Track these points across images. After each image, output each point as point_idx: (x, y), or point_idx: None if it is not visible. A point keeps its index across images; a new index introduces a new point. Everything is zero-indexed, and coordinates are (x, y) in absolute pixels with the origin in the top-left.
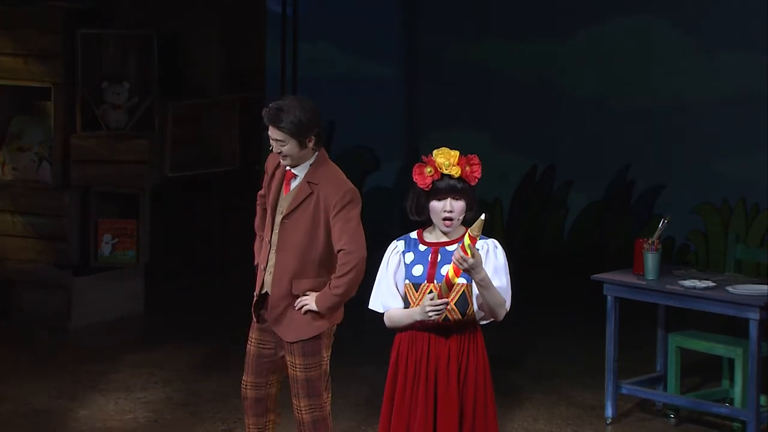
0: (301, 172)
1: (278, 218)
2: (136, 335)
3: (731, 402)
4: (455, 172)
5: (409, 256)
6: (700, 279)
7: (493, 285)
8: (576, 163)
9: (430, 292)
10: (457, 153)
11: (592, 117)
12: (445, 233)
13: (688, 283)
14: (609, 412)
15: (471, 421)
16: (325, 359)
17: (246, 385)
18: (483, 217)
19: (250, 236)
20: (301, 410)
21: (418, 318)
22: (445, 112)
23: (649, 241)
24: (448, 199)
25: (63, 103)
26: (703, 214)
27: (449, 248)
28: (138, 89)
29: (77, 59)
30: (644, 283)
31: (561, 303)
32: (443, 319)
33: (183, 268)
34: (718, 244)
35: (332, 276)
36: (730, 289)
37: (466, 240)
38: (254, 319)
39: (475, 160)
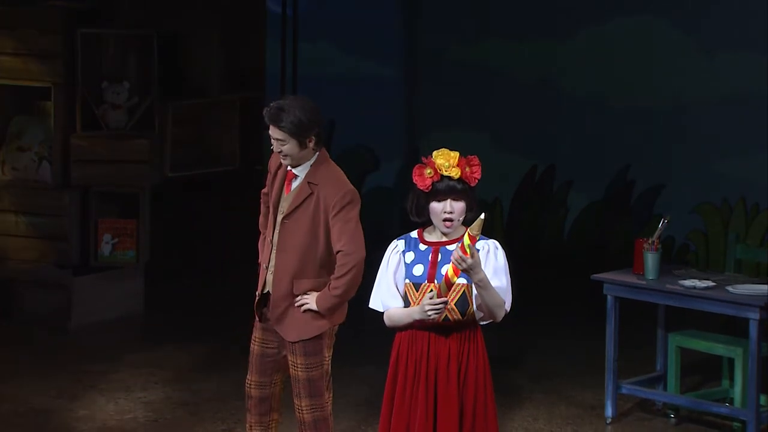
0: (301, 172)
1: (279, 218)
2: (136, 335)
3: (731, 402)
4: (455, 173)
5: (410, 256)
6: (700, 279)
7: (491, 286)
8: (576, 163)
9: (430, 291)
10: (457, 154)
11: (592, 117)
12: (445, 234)
13: (688, 282)
14: (609, 411)
15: (471, 420)
16: (327, 359)
17: (250, 385)
18: (483, 216)
19: (250, 236)
20: (302, 410)
21: (418, 317)
22: (445, 112)
23: (649, 241)
24: (448, 200)
25: (63, 102)
26: (703, 214)
27: (449, 247)
28: (138, 89)
29: (77, 59)
30: (644, 282)
31: (561, 303)
32: (443, 319)
33: (183, 268)
34: (718, 243)
35: (331, 277)
36: (730, 288)
37: (466, 240)
38: (257, 318)
39: (475, 161)
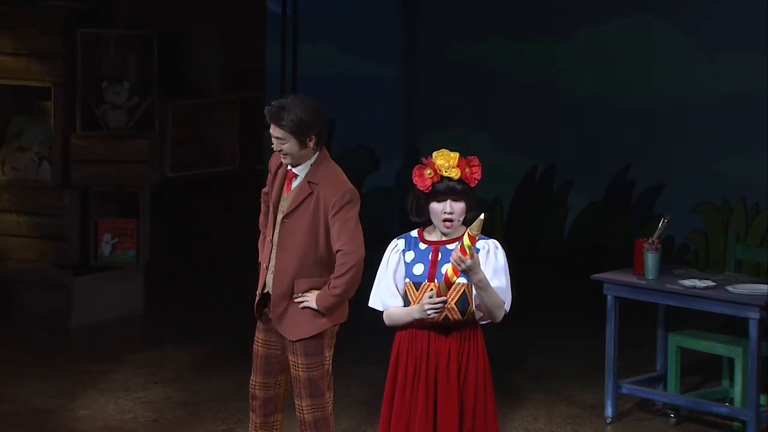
0: (301, 171)
1: (279, 217)
2: (136, 335)
3: (731, 401)
4: (455, 174)
5: (410, 255)
6: (700, 278)
7: (491, 286)
8: (576, 163)
9: (430, 290)
10: (457, 155)
11: (592, 117)
12: (445, 234)
13: (688, 282)
14: (609, 411)
15: (471, 420)
16: (328, 359)
17: (255, 386)
18: (482, 216)
19: (250, 236)
20: (303, 410)
21: (417, 316)
22: (445, 112)
23: (649, 241)
24: (448, 200)
25: (63, 102)
26: (703, 214)
27: (450, 247)
28: (138, 89)
29: (77, 59)
30: (644, 282)
31: (561, 303)
32: (443, 319)
33: (183, 268)
34: (718, 243)
35: (331, 276)
36: (730, 288)
37: (466, 240)
38: (258, 319)
39: (475, 161)
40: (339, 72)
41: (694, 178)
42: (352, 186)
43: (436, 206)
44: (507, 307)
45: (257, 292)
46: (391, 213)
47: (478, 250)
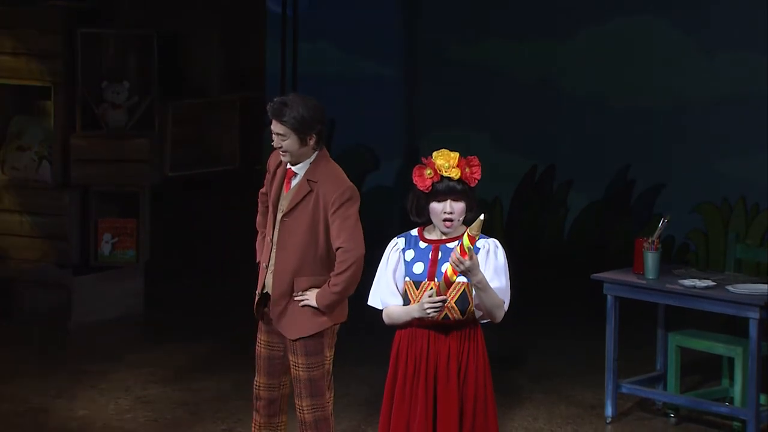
0: (301, 170)
1: (279, 216)
2: (136, 334)
3: (731, 401)
4: (455, 174)
5: (410, 254)
6: (700, 278)
7: (490, 287)
8: (576, 163)
9: (430, 289)
10: (457, 154)
11: (592, 117)
12: (445, 234)
13: (688, 282)
14: (609, 411)
15: (471, 420)
16: (328, 358)
17: (259, 387)
18: (482, 217)
19: (251, 236)
20: (303, 410)
21: (417, 315)
22: (445, 112)
23: (649, 241)
24: (448, 200)
25: (63, 102)
26: (703, 214)
27: (450, 245)
28: (138, 89)
29: (77, 59)
30: (644, 282)
31: (561, 303)
32: (443, 318)
33: (183, 267)
34: (718, 243)
35: (331, 274)
36: (730, 288)
37: (465, 240)
38: (259, 319)
39: (475, 161)
40: (339, 72)
41: (694, 177)
42: (351, 183)
43: (436, 206)
44: (506, 306)
45: (257, 292)
46: (391, 212)
47: (478, 249)
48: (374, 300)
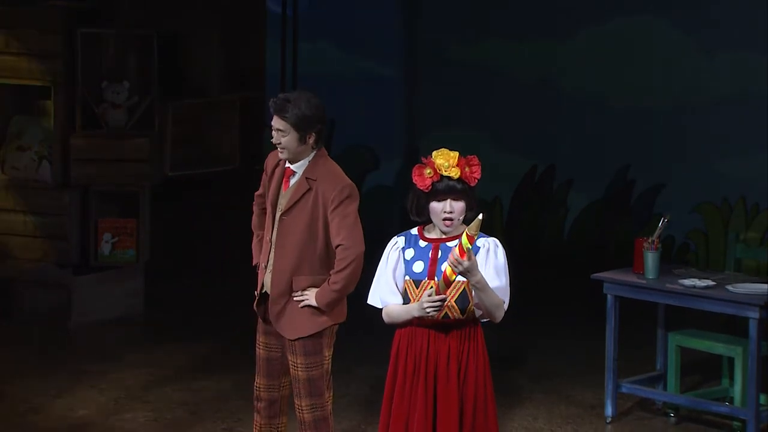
0: (299, 168)
1: (278, 215)
2: (136, 334)
3: (731, 401)
4: (455, 173)
5: (410, 253)
6: (700, 278)
7: (489, 287)
8: (576, 163)
9: (430, 288)
10: (457, 154)
11: (592, 117)
12: (445, 233)
13: (688, 282)
14: (609, 411)
15: (471, 419)
16: (327, 358)
17: (259, 388)
18: (481, 216)
19: (250, 236)
20: (302, 410)
21: (416, 314)
22: (445, 112)
23: (649, 240)
24: (448, 200)
25: (63, 102)
26: (703, 214)
27: (450, 244)
28: (138, 88)
29: (77, 59)
30: (644, 282)
31: (561, 303)
32: (443, 317)
33: (183, 267)
34: (718, 243)
35: (330, 272)
36: (730, 288)
37: (464, 240)
38: (259, 320)
39: (475, 161)
40: (339, 72)
41: (694, 177)
42: (350, 181)
43: (436, 205)
44: (506, 306)
45: (255, 293)
46: (391, 212)
47: (478, 248)
48: (374, 299)
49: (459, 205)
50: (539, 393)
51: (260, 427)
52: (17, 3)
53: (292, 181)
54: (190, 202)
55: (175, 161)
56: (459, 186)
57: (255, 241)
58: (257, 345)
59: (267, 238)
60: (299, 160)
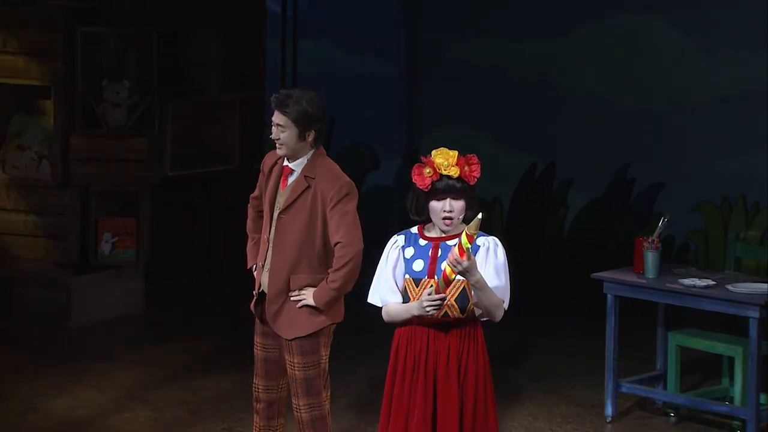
0: (298, 167)
1: (275, 214)
2: (136, 334)
3: (731, 400)
4: (454, 172)
5: (409, 251)
6: (700, 277)
7: (488, 287)
8: (576, 162)
9: (429, 287)
10: (456, 153)
11: (592, 116)
12: (445, 232)
13: (688, 281)
14: (609, 410)
15: (471, 418)
16: (324, 358)
17: (258, 389)
18: (480, 216)
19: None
20: (300, 409)
21: (416, 313)
22: (445, 111)
23: (649, 240)
24: (448, 199)
25: (63, 101)
26: (703, 213)
27: (450, 243)
28: (138, 88)
29: (77, 58)
30: (644, 281)
31: (561, 303)
32: (443, 315)
33: (183, 267)
34: (717, 242)
35: (329, 270)
36: (730, 287)
37: (464, 239)
38: (256, 321)
39: (474, 159)
40: (339, 71)
41: (694, 177)
42: (349, 179)
43: (435, 205)
44: (506, 305)
45: (254, 292)
46: (391, 212)
47: (478, 247)
48: (374, 297)
49: (458, 204)
50: (539, 393)
51: (259, 429)
52: (17, 3)
53: (291, 179)
54: (190, 201)
55: (175, 161)
56: (458, 185)
57: (250, 244)
58: (255, 346)
59: (264, 237)
60: (297, 158)
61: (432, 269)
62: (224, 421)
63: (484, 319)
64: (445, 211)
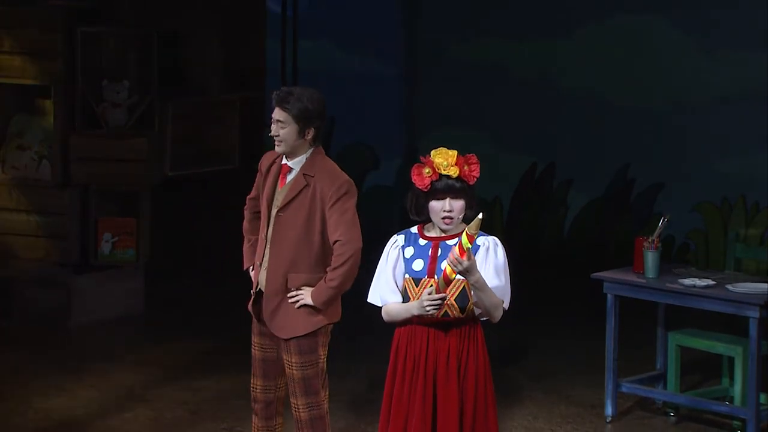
0: (296, 165)
1: (274, 212)
2: (137, 334)
3: (731, 400)
4: (453, 172)
5: (409, 251)
6: (699, 277)
7: (488, 287)
8: (576, 162)
9: (429, 286)
10: (455, 153)
11: (592, 116)
12: (444, 232)
13: (688, 281)
14: (609, 410)
15: (471, 419)
16: (322, 357)
17: (256, 389)
18: (480, 215)
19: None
20: (298, 409)
21: (416, 312)
22: (445, 111)
23: (649, 240)
24: (447, 198)
25: (63, 101)
26: (703, 213)
27: (450, 242)
28: (138, 88)
29: (77, 58)
30: (644, 281)
31: (561, 303)
32: (442, 315)
33: (183, 267)
34: (717, 242)
35: (328, 268)
36: (730, 287)
37: (464, 239)
38: (254, 320)
39: (474, 159)
40: (339, 71)
41: (694, 177)
42: (348, 178)
43: (435, 204)
44: (506, 305)
45: (251, 292)
46: (391, 212)
47: (478, 246)
48: (373, 297)
49: (458, 204)
50: (539, 392)
51: (258, 429)
52: (17, 3)
53: (289, 177)
54: (190, 201)
55: (175, 161)
56: (458, 184)
57: (247, 246)
58: (253, 346)
59: (262, 235)
60: (296, 156)
61: (432, 269)
62: (224, 421)
63: (484, 318)
64: (444, 210)
